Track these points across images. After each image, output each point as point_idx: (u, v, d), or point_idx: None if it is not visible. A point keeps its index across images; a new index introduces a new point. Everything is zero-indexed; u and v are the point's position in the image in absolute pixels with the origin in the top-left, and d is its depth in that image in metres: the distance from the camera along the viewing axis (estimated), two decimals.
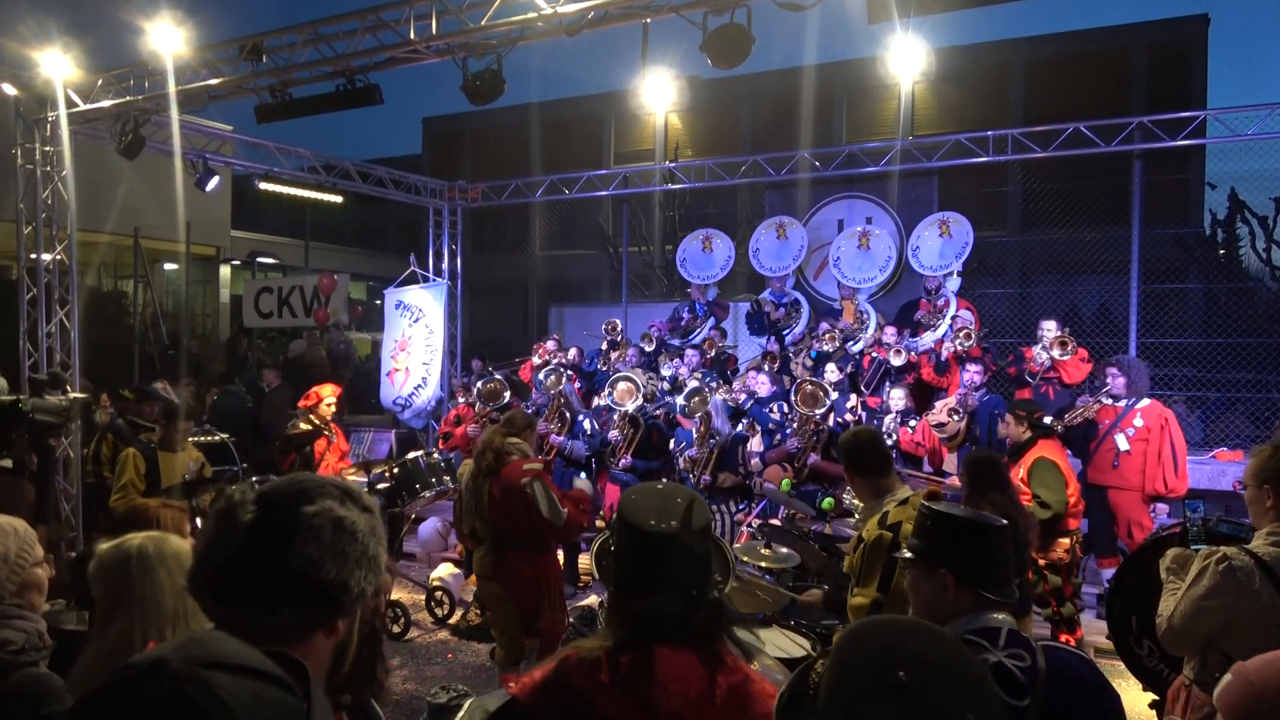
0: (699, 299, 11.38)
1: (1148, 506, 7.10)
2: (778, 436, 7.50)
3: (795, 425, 7.36)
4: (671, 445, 7.78)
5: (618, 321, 11.09)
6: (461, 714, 1.64)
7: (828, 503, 5.66)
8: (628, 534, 1.64)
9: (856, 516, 5.22)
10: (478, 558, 5.20)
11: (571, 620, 4.56)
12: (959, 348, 8.20)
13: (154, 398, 7.64)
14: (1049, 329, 7.97)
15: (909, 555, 2.31)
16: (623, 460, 7.70)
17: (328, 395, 7.68)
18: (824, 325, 9.67)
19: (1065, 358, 7.70)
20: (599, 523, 8.46)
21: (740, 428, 7.61)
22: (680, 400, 8.30)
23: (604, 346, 10.60)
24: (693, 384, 8.49)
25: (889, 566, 3.02)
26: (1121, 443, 6.97)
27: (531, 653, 5.07)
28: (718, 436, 7.42)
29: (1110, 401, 7.11)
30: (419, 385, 11.57)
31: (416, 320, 11.72)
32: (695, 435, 7.45)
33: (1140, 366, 7.29)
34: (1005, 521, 2.38)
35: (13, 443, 4.56)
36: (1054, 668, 2.07)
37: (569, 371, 9.37)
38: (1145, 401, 7.09)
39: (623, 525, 1.65)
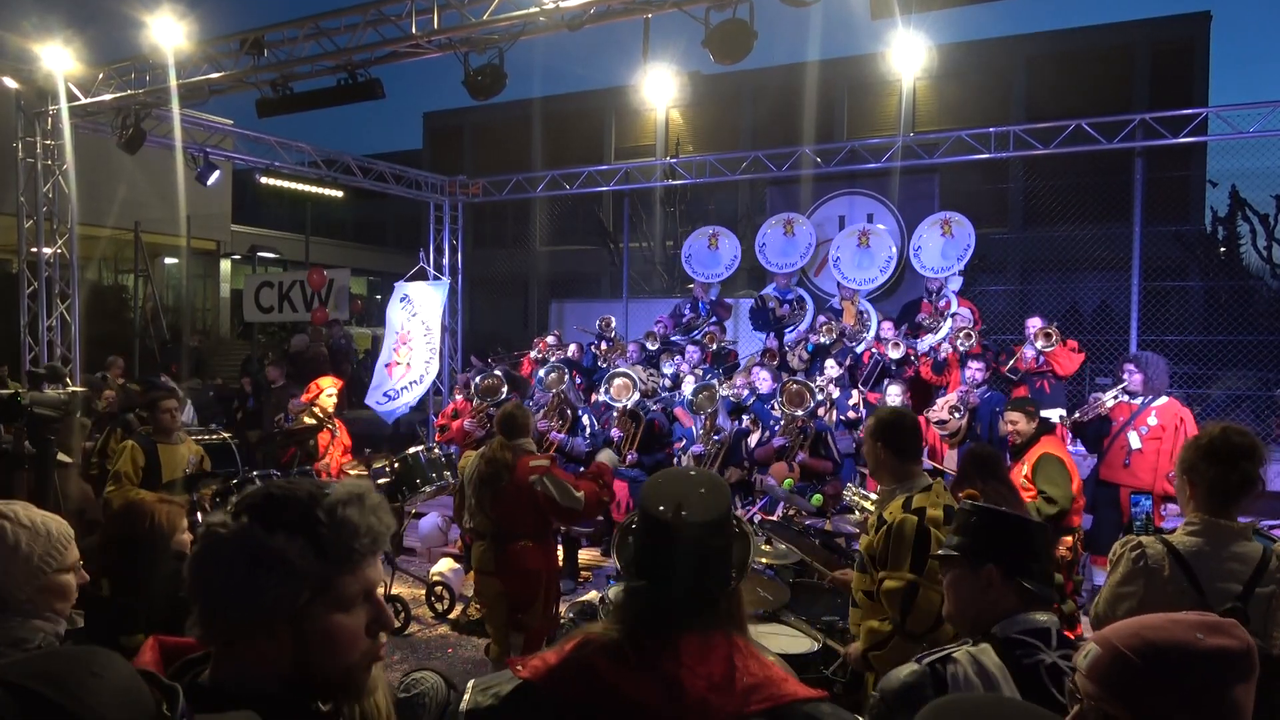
0: (702, 297, 11.36)
1: (1159, 506, 6.91)
2: (766, 434, 7.52)
3: (782, 424, 7.37)
4: (681, 441, 7.79)
5: (612, 318, 11.08)
6: (467, 697, 1.59)
7: (817, 499, 5.66)
8: (640, 518, 1.63)
9: (858, 514, 5.22)
10: (477, 552, 5.17)
11: (571, 615, 4.56)
12: (959, 348, 8.19)
13: (159, 387, 7.65)
14: (1033, 325, 7.97)
15: (951, 553, 2.29)
16: (629, 456, 7.71)
17: (328, 386, 7.66)
18: (821, 318, 9.66)
19: (1050, 349, 7.68)
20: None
21: (744, 423, 7.62)
22: (688, 395, 8.30)
23: (599, 344, 10.59)
24: (691, 381, 8.50)
25: (919, 550, 3.05)
26: (1134, 440, 6.83)
27: (515, 649, 5.05)
28: (722, 432, 7.42)
29: (1126, 398, 6.98)
30: (415, 381, 11.55)
31: (415, 315, 11.72)
32: (699, 431, 7.44)
33: (1159, 364, 7.07)
34: (1043, 522, 2.40)
35: (11, 435, 4.56)
36: None
37: (567, 370, 9.34)
38: (1163, 399, 6.93)
39: (638, 508, 1.65)
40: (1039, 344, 7.74)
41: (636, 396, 7.97)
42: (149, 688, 1.05)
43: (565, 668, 1.52)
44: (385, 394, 11.71)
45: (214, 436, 6.62)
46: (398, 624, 6.86)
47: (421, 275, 12.02)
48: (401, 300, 11.91)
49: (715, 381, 8.44)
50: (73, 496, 5.03)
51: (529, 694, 1.52)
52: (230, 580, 1.23)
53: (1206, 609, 2.28)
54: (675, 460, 7.73)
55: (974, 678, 2.02)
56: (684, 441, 7.68)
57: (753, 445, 7.51)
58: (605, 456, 5.40)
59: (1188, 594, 2.45)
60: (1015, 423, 5.84)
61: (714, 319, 10.97)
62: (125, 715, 0.99)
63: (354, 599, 1.30)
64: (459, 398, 9.50)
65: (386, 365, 11.89)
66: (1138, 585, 2.52)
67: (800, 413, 7.27)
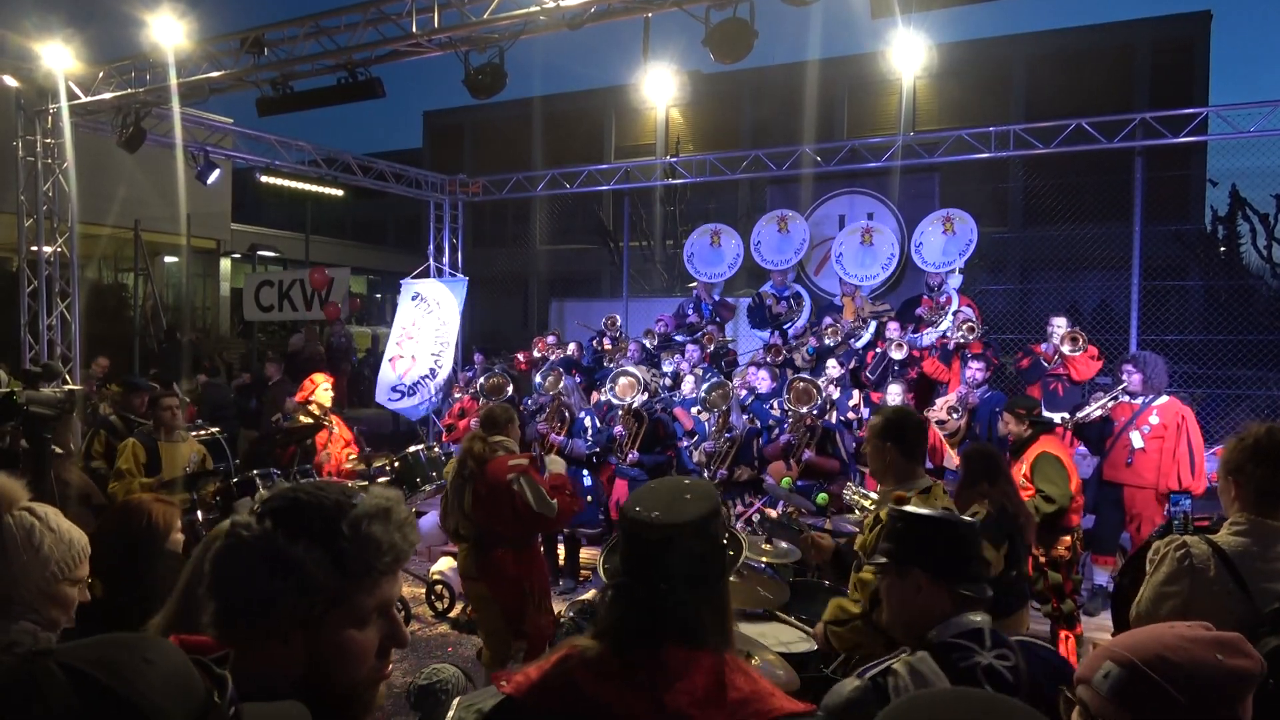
0: (705, 298, 11.32)
1: (1162, 505, 6.84)
2: (775, 432, 7.52)
3: (789, 422, 7.37)
4: (683, 441, 7.79)
5: (617, 317, 11.08)
6: (451, 714, 1.60)
7: (822, 498, 5.64)
8: (620, 522, 1.63)
9: (857, 513, 5.22)
10: (461, 557, 5.13)
11: (571, 615, 4.55)
12: (961, 339, 8.19)
13: (141, 388, 7.63)
14: (1059, 325, 7.95)
15: (882, 560, 2.30)
16: (630, 455, 7.71)
17: (322, 381, 7.66)
18: (827, 320, 9.66)
19: (1075, 353, 7.68)
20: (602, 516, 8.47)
21: (745, 420, 7.63)
22: (687, 394, 8.29)
23: (601, 342, 10.57)
24: (691, 380, 8.50)
25: None
26: (1136, 440, 6.83)
27: (518, 654, 5.00)
28: (734, 430, 7.42)
29: (1127, 398, 6.98)
30: (425, 375, 11.52)
31: (431, 312, 11.74)
32: (712, 429, 7.44)
33: (1158, 363, 7.06)
34: (973, 520, 2.40)
35: (6, 434, 4.54)
36: (1034, 663, 2.12)
37: (565, 370, 9.34)
38: (1163, 399, 6.93)
39: (620, 514, 1.65)
40: (1064, 347, 7.70)
41: (645, 396, 7.96)
42: (200, 675, 1.06)
43: (547, 682, 1.52)
44: (394, 389, 11.69)
45: (204, 432, 6.62)
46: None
47: (427, 274, 12.03)
48: (414, 298, 11.90)
49: (713, 380, 8.45)
50: (73, 484, 5.03)
51: (512, 710, 1.52)
52: (248, 584, 1.24)
53: (1253, 610, 2.31)
54: (681, 457, 7.73)
55: (914, 688, 2.03)
56: (696, 438, 7.66)
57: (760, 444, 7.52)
58: (557, 465, 5.36)
59: (1234, 595, 2.42)
60: (1007, 424, 5.88)
61: (717, 320, 10.95)
62: (177, 702, 0.99)
63: (369, 614, 1.29)
64: (465, 397, 9.50)
65: (390, 360, 11.92)
66: (1182, 585, 2.49)
67: (805, 410, 7.26)
